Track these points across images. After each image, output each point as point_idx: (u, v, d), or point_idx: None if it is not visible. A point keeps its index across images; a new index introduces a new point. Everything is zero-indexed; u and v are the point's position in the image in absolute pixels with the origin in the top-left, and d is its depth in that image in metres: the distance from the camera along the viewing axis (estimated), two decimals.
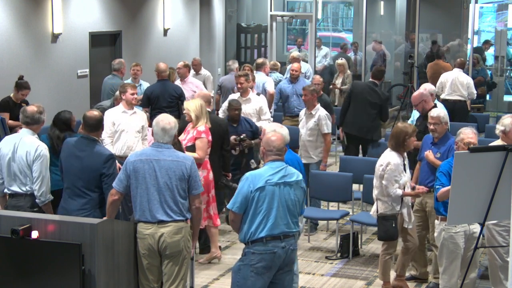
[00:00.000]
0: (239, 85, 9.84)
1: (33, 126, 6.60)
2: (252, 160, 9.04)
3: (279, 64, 13.79)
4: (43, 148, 6.49)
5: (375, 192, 7.17)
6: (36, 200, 6.43)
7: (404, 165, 7.08)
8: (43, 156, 6.44)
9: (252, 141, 8.97)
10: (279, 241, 5.48)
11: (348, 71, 14.94)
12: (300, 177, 5.65)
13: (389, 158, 7.01)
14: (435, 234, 6.67)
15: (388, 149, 7.13)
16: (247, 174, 5.58)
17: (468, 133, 6.53)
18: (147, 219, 5.72)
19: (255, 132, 9.03)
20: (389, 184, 6.97)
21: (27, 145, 6.46)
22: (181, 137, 7.34)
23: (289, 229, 5.52)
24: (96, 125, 6.30)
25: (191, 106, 7.65)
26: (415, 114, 9.11)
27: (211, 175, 7.75)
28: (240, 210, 5.47)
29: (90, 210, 6.15)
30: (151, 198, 5.71)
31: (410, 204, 7.19)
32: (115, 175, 6.07)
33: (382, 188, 7.04)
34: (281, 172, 5.52)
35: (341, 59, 15.30)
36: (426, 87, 8.86)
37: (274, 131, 5.86)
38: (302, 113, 9.51)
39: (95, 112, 6.42)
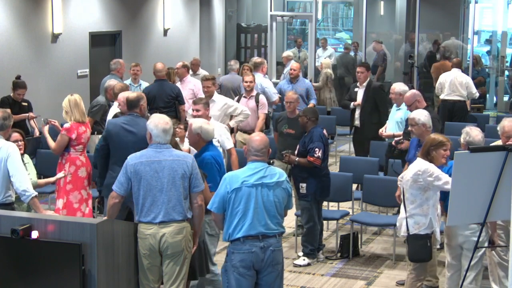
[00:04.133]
0: (205, 89, 9.58)
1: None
2: None
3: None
4: (12, 147, 6.36)
5: (409, 208, 6.39)
6: (21, 198, 6.29)
7: None
8: (12, 154, 6.29)
9: (296, 159, 7.91)
10: (257, 241, 5.51)
11: (328, 70, 15.02)
12: (283, 177, 5.63)
13: (418, 165, 6.34)
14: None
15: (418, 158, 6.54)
16: (226, 175, 5.66)
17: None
18: (148, 220, 5.72)
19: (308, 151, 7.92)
20: (440, 180, 6.26)
21: None
22: None
23: (268, 230, 5.54)
24: (135, 103, 7.14)
25: (64, 102, 8.03)
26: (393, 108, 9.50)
27: (81, 171, 7.91)
28: (218, 210, 5.58)
29: None
30: (154, 199, 5.71)
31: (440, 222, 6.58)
32: None
33: (420, 203, 6.33)
34: (259, 173, 5.55)
35: (326, 58, 15.43)
36: (399, 87, 9.30)
37: (201, 126, 6.46)
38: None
39: (134, 94, 7.34)
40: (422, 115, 7.29)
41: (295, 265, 8.04)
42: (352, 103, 10.63)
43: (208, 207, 5.67)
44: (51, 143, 8.04)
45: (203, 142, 6.54)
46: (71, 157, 7.96)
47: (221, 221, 5.64)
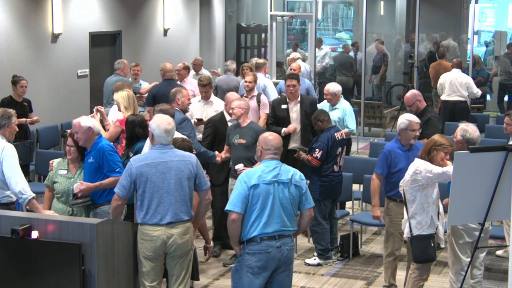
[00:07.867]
0: (203, 94, 9.42)
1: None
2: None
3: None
4: (8, 148, 6.35)
5: (410, 209, 6.37)
6: (19, 200, 6.30)
7: None
8: (8, 156, 6.29)
9: (302, 156, 8.09)
10: (274, 241, 5.51)
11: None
12: (297, 175, 5.65)
13: (416, 165, 6.34)
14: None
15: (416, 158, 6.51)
16: (242, 174, 5.64)
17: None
18: (155, 222, 5.67)
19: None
20: (436, 169, 6.22)
21: None
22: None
23: (284, 227, 5.55)
24: (172, 98, 8.09)
25: (119, 97, 7.96)
26: (326, 107, 9.31)
27: None
28: (241, 210, 5.48)
29: None
30: (160, 201, 5.68)
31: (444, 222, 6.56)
32: (193, 134, 7.73)
33: (420, 201, 6.33)
34: (275, 171, 5.57)
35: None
36: (333, 87, 9.36)
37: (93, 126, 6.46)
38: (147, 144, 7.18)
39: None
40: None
41: (306, 264, 8.10)
42: (283, 130, 8.95)
43: (228, 208, 5.51)
44: (103, 132, 7.64)
45: (94, 136, 6.52)
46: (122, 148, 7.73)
47: (239, 223, 5.50)
